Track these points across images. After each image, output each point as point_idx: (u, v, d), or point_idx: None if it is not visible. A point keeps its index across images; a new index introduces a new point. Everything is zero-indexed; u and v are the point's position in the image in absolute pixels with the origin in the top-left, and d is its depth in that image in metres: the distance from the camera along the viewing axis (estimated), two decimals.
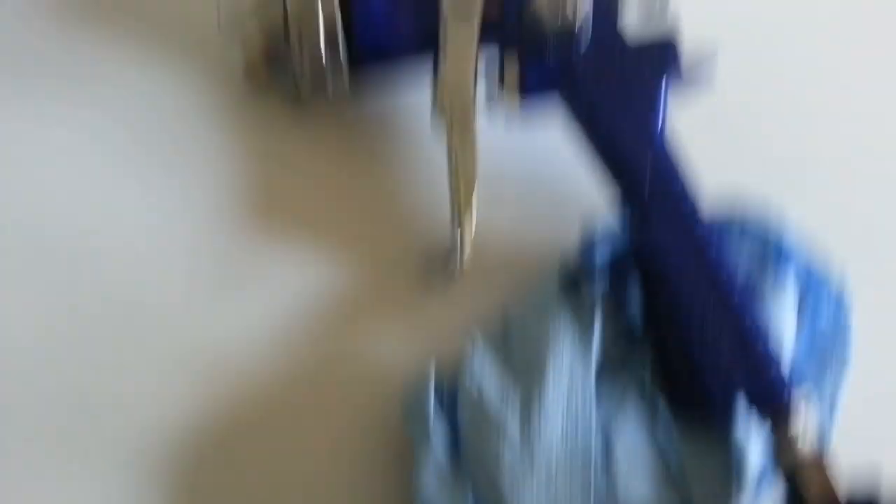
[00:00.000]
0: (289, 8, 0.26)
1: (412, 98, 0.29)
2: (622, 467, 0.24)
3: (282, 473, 0.26)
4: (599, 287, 0.26)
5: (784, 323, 0.26)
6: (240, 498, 0.26)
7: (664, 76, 0.27)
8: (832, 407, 0.27)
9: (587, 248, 0.27)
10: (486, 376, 0.25)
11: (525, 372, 0.25)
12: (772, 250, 0.28)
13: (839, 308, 0.28)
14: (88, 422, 0.26)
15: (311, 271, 0.28)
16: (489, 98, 0.27)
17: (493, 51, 0.27)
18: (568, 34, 0.26)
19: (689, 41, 0.27)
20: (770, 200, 0.28)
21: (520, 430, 0.24)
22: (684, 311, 0.25)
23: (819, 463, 0.23)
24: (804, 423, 0.23)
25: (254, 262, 0.28)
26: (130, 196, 0.29)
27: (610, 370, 0.26)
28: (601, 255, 0.27)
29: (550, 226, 0.29)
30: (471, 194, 0.26)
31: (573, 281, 0.26)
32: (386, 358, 0.27)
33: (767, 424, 0.24)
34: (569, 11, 0.26)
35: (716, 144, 0.29)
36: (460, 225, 0.26)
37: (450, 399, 0.25)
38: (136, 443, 0.26)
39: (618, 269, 0.26)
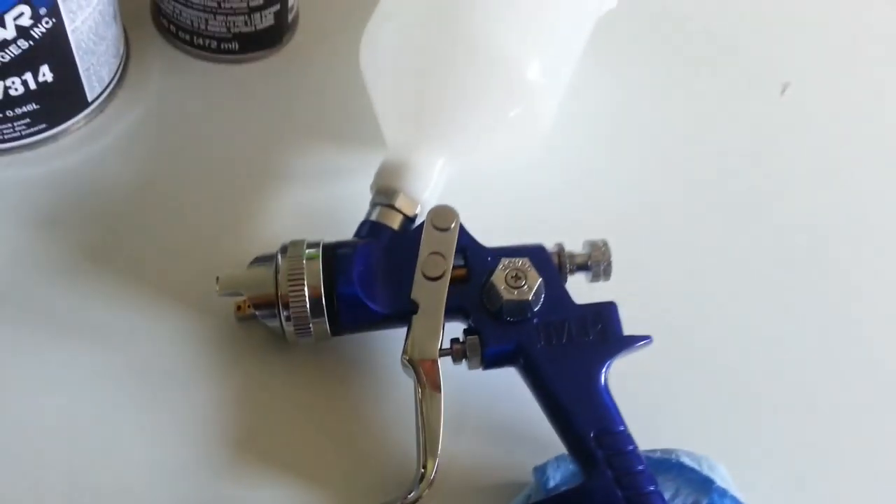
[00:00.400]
0: (279, 283, 0.30)
1: (387, 342, 0.33)
2: None
3: None
4: None
5: None
6: None
7: (609, 343, 0.31)
8: None
9: (541, 477, 0.30)
10: None
11: None
12: (707, 489, 0.31)
13: None
14: None
15: (285, 497, 0.31)
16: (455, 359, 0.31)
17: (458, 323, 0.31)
18: (523, 305, 0.30)
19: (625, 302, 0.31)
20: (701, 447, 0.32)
21: None
22: None
23: None
24: None
25: (230, 488, 0.31)
26: (127, 427, 0.32)
27: None
28: (553, 481, 0.30)
29: (505, 458, 0.32)
30: (434, 442, 0.29)
31: None
32: None
33: None
34: (524, 287, 0.30)
35: (649, 390, 0.33)
36: (423, 466, 0.29)
37: None
38: None
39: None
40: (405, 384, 0.31)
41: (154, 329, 0.34)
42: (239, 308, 0.33)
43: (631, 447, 0.29)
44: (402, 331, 0.31)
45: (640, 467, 0.29)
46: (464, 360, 0.31)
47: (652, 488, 0.29)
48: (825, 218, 0.41)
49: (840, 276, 0.39)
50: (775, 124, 0.44)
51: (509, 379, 0.31)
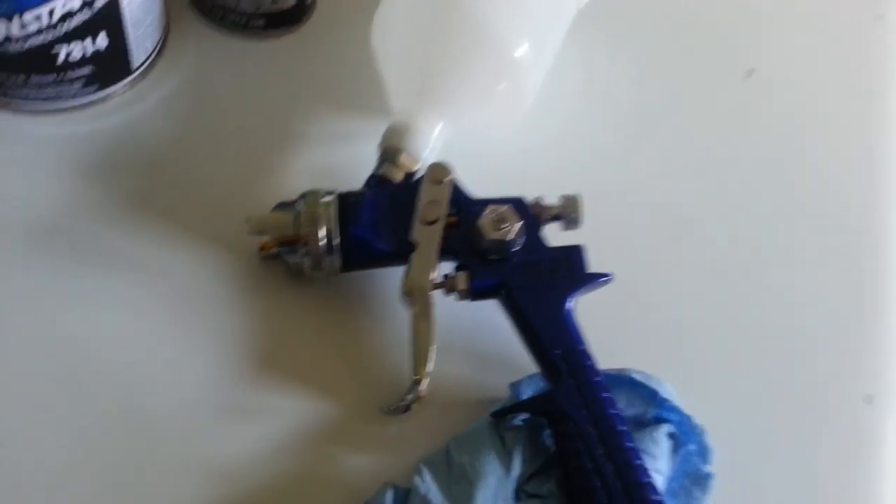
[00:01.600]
0: (302, 221, 0.36)
1: (389, 280, 0.39)
2: None
3: None
4: (521, 425, 0.35)
5: (661, 460, 0.35)
6: None
7: (574, 278, 0.36)
8: None
9: (516, 391, 0.36)
10: (431, 491, 0.33)
11: (460, 487, 0.33)
12: (654, 401, 0.37)
13: (703, 446, 0.36)
14: None
15: (301, 405, 0.37)
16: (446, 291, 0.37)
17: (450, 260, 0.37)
18: (504, 244, 0.36)
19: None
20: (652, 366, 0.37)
21: None
22: (588, 453, 0.33)
23: None
24: None
25: (254, 396, 0.37)
26: (165, 345, 0.38)
27: (526, 488, 0.34)
28: (525, 395, 0.36)
29: (486, 378, 0.38)
30: (424, 358, 0.35)
31: (503, 418, 0.35)
32: (354, 474, 0.35)
33: None
34: (506, 229, 0.36)
35: (613, 324, 0.39)
36: (416, 377, 0.35)
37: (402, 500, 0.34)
38: None
39: (537, 409, 0.35)
40: (403, 313, 0.37)
41: (190, 263, 0.39)
42: (262, 248, 0.39)
43: (590, 363, 0.35)
44: (403, 269, 0.36)
45: (598, 378, 0.35)
46: (454, 293, 0.37)
47: (606, 395, 0.34)
48: (776, 186, 0.47)
49: (771, 237, 0.45)
50: (738, 104, 0.50)
51: (492, 312, 0.37)
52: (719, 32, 0.53)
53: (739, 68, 0.51)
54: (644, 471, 0.33)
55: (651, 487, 0.33)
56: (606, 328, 0.37)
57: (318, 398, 0.37)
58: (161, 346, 0.38)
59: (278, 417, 0.36)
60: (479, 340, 0.39)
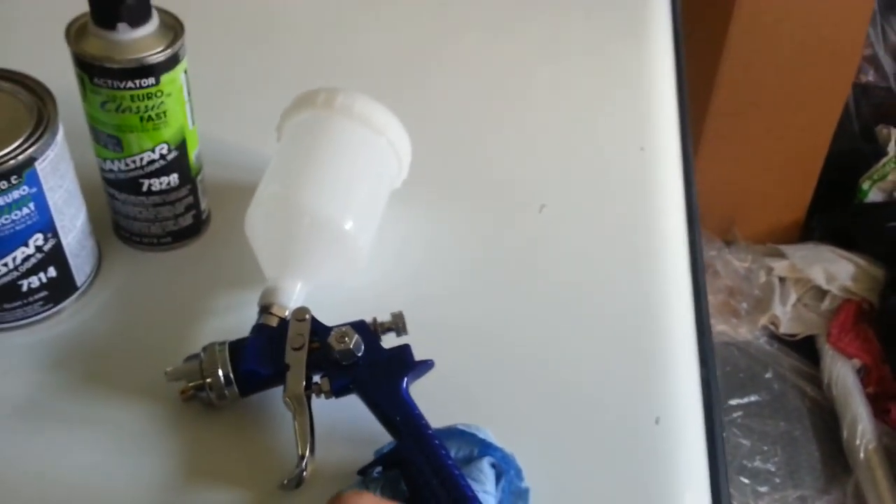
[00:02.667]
0: (203, 367, 0.51)
1: (275, 397, 0.53)
2: None
3: None
4: (380, 476, 0.49)
5: (488, 484, 0.48)
6: None
7: (404, 367, 0.52)
8: None
9: (377, 454, 0.50)
10: None
11: None
12: (474, 441, 0.51)
13: (517, 469, 0.50)
14: None
15: (224, 498, 0.50)
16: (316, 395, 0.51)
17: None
18: (349, 353, 0.51)
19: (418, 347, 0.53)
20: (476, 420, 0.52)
21: None
22: (425, 484, 0.47)
23: None
24: None
25: (187, 497, 0.50)
26: (120, 468, 0.51)
27: None
28: (381, 458, 0.49)
29: (360, 453, 0.51)
30: (305, 441, 0.49)
31: (367, 473, 0.49)
32: None
33: None
34: (348, 342, 0.51)
35: (443, 395, 0.54)
36: (301, 454, 0.49)
37: None
38: None
39: (388, 461, 0.49)
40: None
41: (133, 412, 0.54)
42: (182, 392, 0.53)
43: (423, 423, 0.50)
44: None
45: (429, 433, 0.49)
46: (321, 394, 0.51)
47: (437, 443, 0.49)
48: (564, 284, 0.64)
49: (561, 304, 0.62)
50: (533, 232, 0.68)
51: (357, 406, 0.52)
52: (513, 176, 0.72)
53: (535, 204, 0.70)
54: (468, 487, 0.47)
55: (474, 498, 0.47)
56: (437, 398, 0.51)
57: (232, 490, 0.50)
58: (116, 469, 0.51)
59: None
60: (353, 428, 0.53)
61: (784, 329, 1.65)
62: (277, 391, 0.52)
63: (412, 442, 0.49)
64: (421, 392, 0.51)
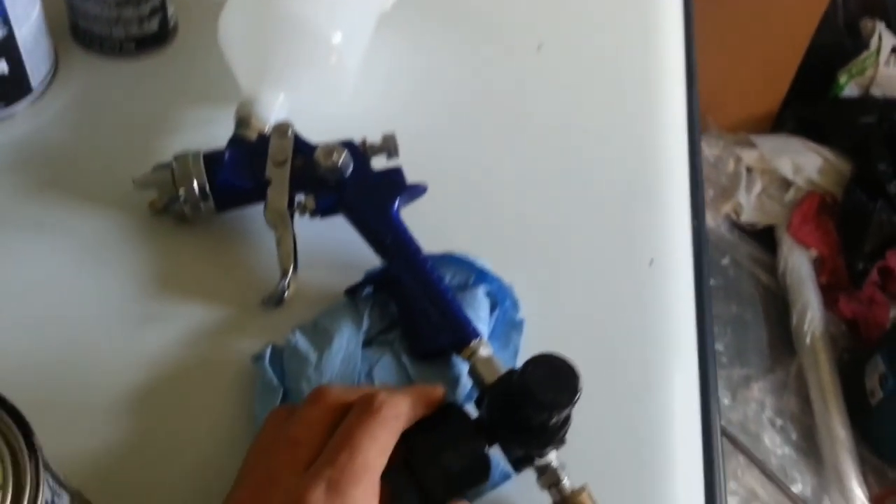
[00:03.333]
0: (176, 176, 0.47)
1: (253, 216, 0.50)
2: (377, 384, 0.44)
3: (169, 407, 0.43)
4: (369, 296, 0.47)
5: (481, 311, 0.46)
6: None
7: (396, 189, 0.48)
8: (514, 356, 0.47)
9: (367, 273, 0.47)
10: (299, 340, 0.44)
11: (322, 338, 0.44)
12: (473, 270, 0.48)
13: (514, 300, 0.48)
14: None
15: (194, 310, 0.47)
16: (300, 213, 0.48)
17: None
18: (336, 170, 0.47)
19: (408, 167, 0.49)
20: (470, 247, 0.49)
21: (315, 362, 0.43)
22: (416, 303, 0.45)
23: (491, 364, 0.42)
24: (485, 353, 0.43)
25: (158, 308, 0.47)
26: (85, 279, 0.47)
27: (375, 339, 0.46)
28: (372, 277, 0.46)
29: (346, 277, 0.48)
30: (289, 257, 0.46)
31: (357, 293, 0.47)
32: (244, 354, 0.45)
33: (465, 357, 0.43)
34: (336, 159, 0.47)
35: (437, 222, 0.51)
36: (284, 269, 0.46)
37: (280, 354, 0.44)
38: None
39: (382, 285, 0.46)
40: (269, 238, 0.48)
41: (98, 222, 0.50)
42: (151, 204, 0.49)
43: (413, 246, 0.47)
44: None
45: (420, 255, 0.46)
46: (306, 213, 0.48)
47: (427, 265, 0.46)
48: (567, 113, 0.61)
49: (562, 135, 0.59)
50: (528, 70, 0.64)
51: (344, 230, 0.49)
52: (510, 14, 0.67)
53: (532, 42, 0.65)
54: (461, 310, 0.45)
55: (466, 320, 0.44)
56: (432, 225, 0.48)
57: (209, 305, 0.47)
58: (82, 280, 0.48)
59: (179, 321, 0.47)
60: (338, 252, 0.50)
61: (745, 218, 1.66)
62: (256, 210, 0.48)
63: (403, 263, 0.46)
64: (410, 225, 0.48)
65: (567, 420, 0.40)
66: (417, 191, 0.49)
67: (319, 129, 0.50)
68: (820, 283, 1.54)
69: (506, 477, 0.42)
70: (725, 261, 1.61)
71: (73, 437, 0.41)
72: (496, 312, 0.48)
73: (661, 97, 0.66)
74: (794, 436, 1.40)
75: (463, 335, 0.44)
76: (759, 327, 1.53)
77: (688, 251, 0.58)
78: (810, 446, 1.39)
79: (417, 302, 0.45)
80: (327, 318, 0.46)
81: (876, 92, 1.66)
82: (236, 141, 0.50)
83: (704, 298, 0.57)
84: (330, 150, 0.48)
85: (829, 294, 1.54)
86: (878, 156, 1.56)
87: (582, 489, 0.40)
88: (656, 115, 0.64)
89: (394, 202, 0.48)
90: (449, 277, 0.48)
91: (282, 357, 0.45)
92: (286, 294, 0.46)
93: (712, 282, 1.57)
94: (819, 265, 1.57)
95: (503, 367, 0.42)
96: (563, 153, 0.60)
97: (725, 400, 1.42)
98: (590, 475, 0.40)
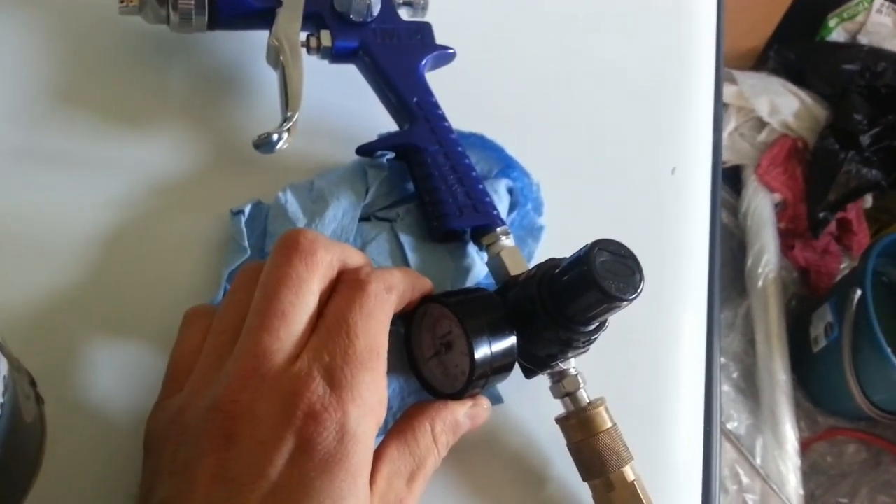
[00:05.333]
0: None
1: (252, 38, 0.41)
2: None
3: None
4: (382, 165, 0.39)
5: (501, 206, 0.40)
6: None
7: (425, 46, 0.41)
8: (530, 256, 0.41)
9: (381, 137, 0.40)
10: (289, 199, 0.37)
11: (317, 202, 0.37)
12: (499, 158, 0.42)
13: (538, 202, 0.42)
14: None
15: (173, 147, 0.39)
16: (309, 50, 0.40)
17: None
18: (364, 5, 0.39)
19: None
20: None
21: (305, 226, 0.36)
22: (440, 178, 0.38)
23: (517, 254, 0.37)
24: (510, 242, 0.37)
25: (120, 146, 0.39)
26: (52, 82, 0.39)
27: (374, 215, 0.39)
28: (390, 140, 0.39)
29: (348, 145, 0.41)
30: (296, 96, 0.38)
31: (369, 155, 0.39)
32: (230, 194, 0.38)
33: (486, 244, 0.37)
34: None
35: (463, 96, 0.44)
36: (288, 111, 0.37)
37: (265, 213, 0.37)
38: None
39: (401, 153, 0.39)
40: (266, 78, 0.39)
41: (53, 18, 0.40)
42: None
43: (440, 111, 0.40)
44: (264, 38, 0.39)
45: (447, 123, 0.40)
46: (318, 52, 0.40)
47: (453, 135, 0.39)
48: None
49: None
50: None
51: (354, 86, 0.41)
52: None
53: None
54: (486, 192, 0.39)
55: (491, 203, 0.38)
56: (455, 102, 0.41)
57: (186, 145, 0.40)
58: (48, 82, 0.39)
59: (146, 163, 0.39)
60: (349, 116, 0.43)
61: None
62: (254, 40, 0.40)
63: (427, 128, 0.39)
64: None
65: (607, 322, 0.34)
66: (446, 55, 0.42)
67: None
68: (779, 228, 1.53)
69: (497, 401, 0.37)
70: None
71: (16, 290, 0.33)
72: (514, 213, 0.42)
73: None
74: (734, 375, 1.42)
75: (489, 220, 0.38)
76: None
77: (707, 163, 0.54)
78: (749, 387, 1.40)
79: (441, 177, 0.38)
80: (326, 181, 0.39)
81: (863, 39, 1.63)
82: None
83: (716, 212, 0.53)
84: None
85: (787, 240, 1.53)
86: (856, 105, 1.53)
87: (601, 401, 0.35)
88: (689, 21, 0.59)
89: (423, 58, 0.41)
90: (483, 161, 0.41)
91: (266, 216, 0.37)
92: (284, 139, 0.37)
93: None
94: (781, 210, 1.56)
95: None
96: (595, 51, 0.53)
97: None
98: (598, 390, 0.36)
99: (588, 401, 0.35)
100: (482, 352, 0.31)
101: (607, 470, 0.34)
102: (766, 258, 1.49)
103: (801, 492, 1.30)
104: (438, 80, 0.41)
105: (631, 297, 0.30)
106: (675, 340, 0.44)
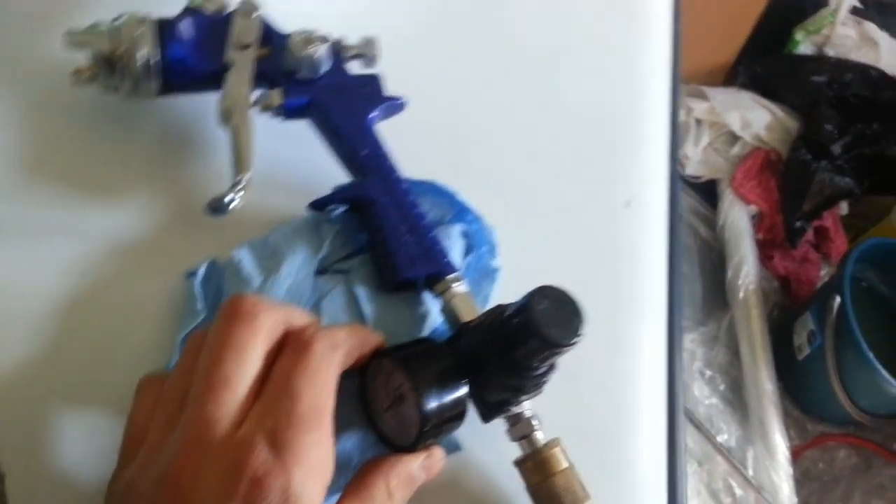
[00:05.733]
0: (120, 40, 0.38)
1: (199, 104, 0.42)
2: (327, 317, 0.38)
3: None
4: (336, 217, 0.40)
5: (453, 252, 0.41)
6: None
7: (374, 98, 0.42)
8: (486, 298, 0.42)
9: (336, 188, 0.40)
10: (244, 258, 0.38)
11: (271, 260, 0.38)
12: (451, 204, 0.43)
13: (491, 245, 0.43)
14: None
15: (122, 216, 0.40)
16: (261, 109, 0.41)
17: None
18: (313, 62, 0.40)
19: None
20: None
21: (259, 286, 0.37)
22: (391, 228, 0.39)
23: (469, 301, 0.37)
24: (462, 288, 0.38)
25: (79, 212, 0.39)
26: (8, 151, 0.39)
27: (331, 268, 0.39)
28: (342, 193, 0.40)
29: (302, 198, 0.41)
30: (246, 160, 0.38)
31: (322, 210, 0.40)
32: (187, 255, 0.39)
33: (439, 292, 0.38)
34: (313, 51, 0.40)
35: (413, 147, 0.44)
36: (239, 173, 0.38)
37: (221, 273, 0.38)
38: None
39: (353, 205, 0.40)
40: (215, 140, 0.40)
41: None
42: (77, 72, 0.39)
43: (390, 163, 0.41)
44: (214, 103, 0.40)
45: (397, 174, 0.40)
46: (269, 110, 0.41)
47: (405, 186, 0.40)
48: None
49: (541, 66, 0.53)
50: None
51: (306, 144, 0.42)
52: None
53: None
54: (437, 240, 0.39)
55: (442, 251, 0.39)
56: (407, 150, 0.42)
57: (139, 209, 0.40)
58: None
59: (100, 227, 0.39)
60: (303, 169, 0.43)
61: (690, 170, 1.64)
62: (203, 102, 0.41)
63: (379, 180, 0.40)
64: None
65: (555, 366, 0.35)
66: (396, 105, 0.43)
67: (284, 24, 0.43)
68: (757, 240, 1.55)
69: (455, 448, 0.37)
70: None
71: None
72: (469, 257, 0.43)
73: (648, 33, 0.62)
74: (721, 387, 1.42)
75: (440, 267, 0.39)
76: (694, 280, 1.53)
77: (663, 195, 0.55)
78: (737, 398, 1.41)
79: (392, 228, 0.39)
80: (280, 237, 0.39)
81: (829, 51, 1.66)
82: (193, 11, 0.42)
83: (675, 243, 0.54)
84: (307, 39, 0.41)
85: (765, 250, 1.55)
86: (826, 116, 1.56)
87: (555, 442, 0.36)
88: (641, 53, 0.60)
89: (372, 110, 0.42)
90: (426, 209, 0.42)
91: (223, 276, 0.38)
92: (236, 201, 0.38)
93: None
94: (758, 221, 1.57)
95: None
96: (547, 86, 0.54)
97: None
98: (558, 429, 0.36)
99: (543, 442, 0.36)
100: (431, 404, 0.32)
101: None
102: (746, 269, 1.50)
103: (795, 500, 1.31)
104: (392, 129, 0.42)
105: (571, 342, 0.31)
106: (633, 374, 0.45)
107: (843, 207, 1.59)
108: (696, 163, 1.65)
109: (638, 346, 0.46)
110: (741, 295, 1.48)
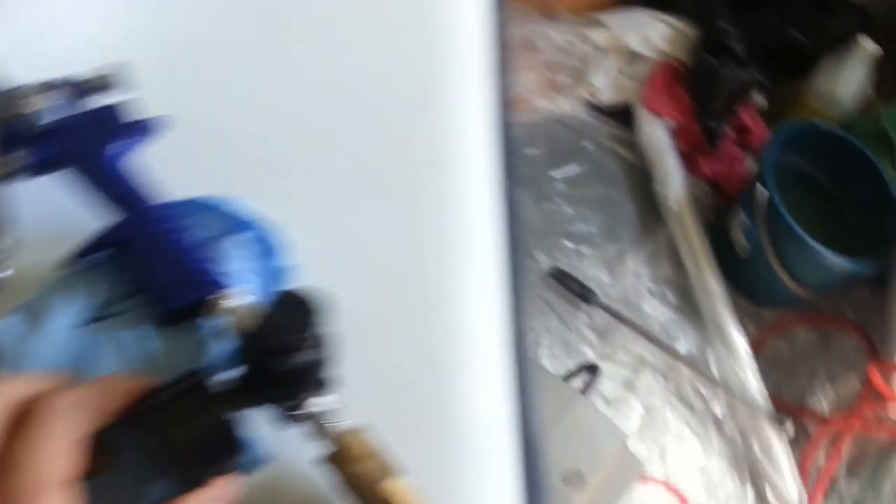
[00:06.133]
0: None
1: None
2: (107, 363, 0.38)
3: None
4: (105, 264, 0.40)
5: (237, 263, 0.41)
6: None
7: (110, 128, 0.42)
8: None
9: (87, 240, 0.40)
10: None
11: (32, 321, 0.38)
12: (223, 217, 0.43)
13: (271, 246, 0.43)
14: None
15: None
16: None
17: None
18: (25, 119, 0.41)
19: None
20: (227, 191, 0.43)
21: (15, 350, 0.37)
22: (150, 262, 0.40)
23: (246, 312, 0.37)
24: (233, 303, 0.37)
25: None
26: None
27: (115, 312, 0.40)
28: (93, 246, 0.40)
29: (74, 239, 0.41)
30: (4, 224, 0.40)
31: (92, 259, 0.41)
32: None
33: (214, 312, 0.37)
34: (21, 106, 0.41)
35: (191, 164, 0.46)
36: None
37: None
38: None
39: (107, 242, 0.40)
40: None
41: None
42: None
43: (140, 196, 0.41)
44: None
45: (151, 205, 0.41)
46: (18, 175, 0.41)
47: (160, 214, 0.40)
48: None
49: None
50: None
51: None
52: None
53: None
54: (201, 261, 0.40)
55: (207, 271, 0.39)
56: (187, 168, 0.43)
57: None
58: None
59: None
60: (72, 218, 0.43)
61: (603, 99, 1.67)
62: None
63: (135, 217, 0.41)
64: (163, 170, 0.43)
65: (318, 362, 0.35)
66: (142, 128, 0.43)
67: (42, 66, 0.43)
68: (679, 150, 1.58)
69: (265, 462, 0.37)
70: (587, 144, 1.63)
71: None
72: (252, 263, 0.42)
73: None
74: (672, 299, 1.46)
75: (208, 289, 0.38)
76: (627, 203, 1.56)
77: (483, 150, 0.54)
78: (689, 306, 1.44)
79: (151, 262, 0.39)
80: (44, 293, 0.39)
81: None
82: None
83: (510, 201, 0.53)
84: (25, 92, 0.41)
85: (689, 158, 1.58)
86: (722, 16, 1.58)
87: (354, 430, 0.36)
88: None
89: (110, 144, 0.42)
90: (202, 227, 0.42)
91: None
92: (8, 271, 0.40)
93: (577, 166, 1.60)
94: (676, 133, 1.60)
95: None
96: (326, 61, 0.54)
97: (604, 277, 1.46)
98: (376, 416, 0.37)
99: (337, 434, 0.36)
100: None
101: (373, 495, 0.35)
102: (673, 181, 1.53)
103: (765, 390, 1.35)
104: (170, 148, 0.43)
105: (303, 344, 0.33)
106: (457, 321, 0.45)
107: (761, 101, 1.61)
108: (607, 90, 1.68)
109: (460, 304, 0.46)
110: (674, 207, 1.51)
